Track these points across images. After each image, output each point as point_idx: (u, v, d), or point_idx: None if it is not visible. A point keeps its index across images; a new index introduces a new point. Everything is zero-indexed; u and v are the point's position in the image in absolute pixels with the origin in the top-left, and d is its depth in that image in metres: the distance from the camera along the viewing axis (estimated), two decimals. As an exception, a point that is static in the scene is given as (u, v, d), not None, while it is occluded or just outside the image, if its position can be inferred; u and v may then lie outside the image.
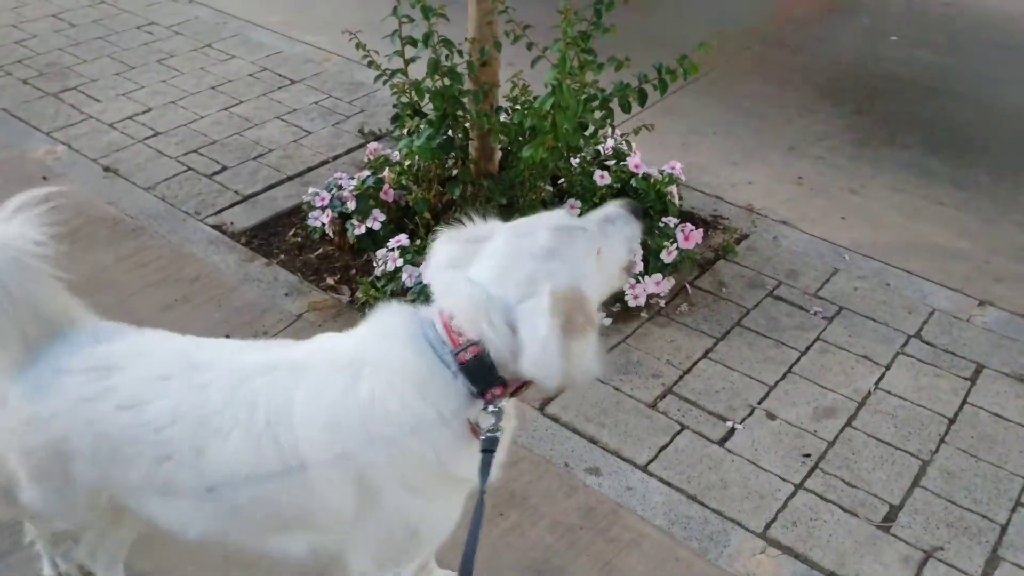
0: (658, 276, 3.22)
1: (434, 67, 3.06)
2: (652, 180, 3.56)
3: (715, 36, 3.22)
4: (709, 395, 2.92)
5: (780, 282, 3.44)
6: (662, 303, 3.28)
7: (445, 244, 1.68)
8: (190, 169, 3.98)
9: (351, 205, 3.45)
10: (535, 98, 3.09)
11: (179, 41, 5.14)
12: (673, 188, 3.58)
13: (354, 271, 3.48)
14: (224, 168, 3.99)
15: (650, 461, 2.69)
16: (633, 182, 3.56)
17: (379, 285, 3.21)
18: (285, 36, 5.25)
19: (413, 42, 3.21)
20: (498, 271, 1.57)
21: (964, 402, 2.94)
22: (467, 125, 3.27)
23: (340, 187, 3.65)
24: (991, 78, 5.22)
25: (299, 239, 3.64)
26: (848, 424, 2.84)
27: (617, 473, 2.64)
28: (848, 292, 3.41)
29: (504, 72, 3.36)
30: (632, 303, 3.19)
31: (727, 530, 2.49)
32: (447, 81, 3.10)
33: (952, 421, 2.86)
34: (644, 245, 3.26)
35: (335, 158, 4.11)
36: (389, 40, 3.29)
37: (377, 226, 3.42)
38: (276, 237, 3.63)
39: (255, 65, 4.90)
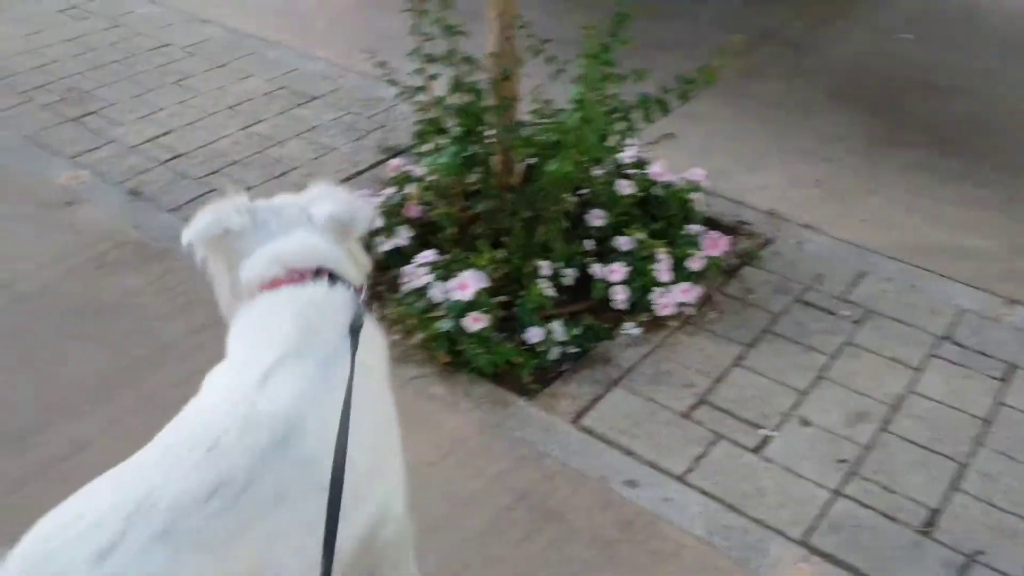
0: (685, 284, 3.23)
1: (457, 85, 3.07)
2: (674, 188, 3.57)
3: (728, 40, 3.21)
4: (742, 403, 2.93)
5: (807, 287, 3.44)
6: (690, 311, 3.28)
7: None
8: (213, 190, 4.00)
9: (377, 223, 3.46)
10: (558, 112, 3.10)
11: (195, 61, 5.17)
12: (696, 195, 3.58)
13: (381, 287, 3.50)
14: (248, 187, 4.00)
15: (687, 471, 2.69)
16: (655, 190, 3.57)
17: (408, 302, 3.22)
18: (300, 53, 5.27)
19: (433, 59, 3.23)
20: None
21: (998, 403, 2.94)
22: (490, 140, 3.28)
23: (364, 204, 3.67)
24: (1007, 76, 5.20)
25: (324, 257, 3.65)
26: (882, 428, 2.84)
27: (654, 484, 2.65)
28: (875, 295, 3.40)
29: (523, 84, 3.38)
30: (661, 312, 3.20)
31: (767, 539, 2.50)
32: (470, 98, 3.12)
33: (987, 423, 2.86)
34: (669, 253, 3.27)
35: (357, 174, 4.14)
36: (406, 56, 3.30)
37: (404, 243, 3.44)
38: (302, 256, 3.65)
39: (272, 83, 4.93)
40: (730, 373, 3.05)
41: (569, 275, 3.34)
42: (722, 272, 3.47)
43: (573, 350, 3.14)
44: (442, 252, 3.35)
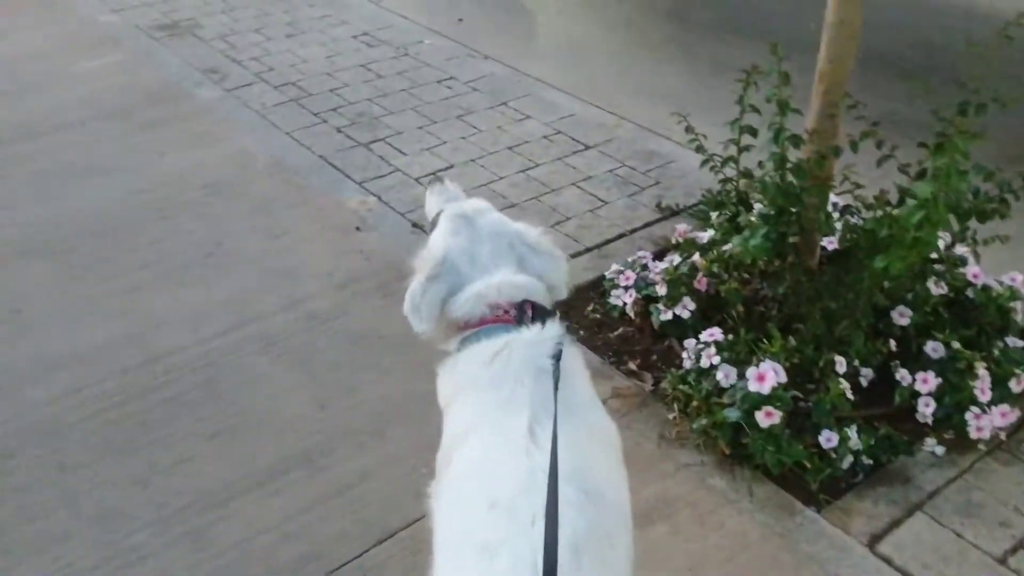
0: (1004, 407, 2.91)
1: (780, 162, 2.92)
2: (992, 292, 3.24)
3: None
4: (1070, 557, 2.58)
5: None
6: (1003, 436, 2.95)
7: None
8: (491, 231, 4.05)
9: (660, 290, 3.37)
10: (889, 203, 2.88)
11: (476, 97, 5.31)
12: (1017, 304, 3.23)
13: (655, 357, 3.40)
14: (524, 233, 4.03)
15: (1004, 628, 2.40)
16: (970, 292, 3.25)
17: (689, 379, 3.09)
18: (577, 98, 5.30)
19: (752, 131, 3.09)
20: None
21: None
22: (801, 223, 3.10)
23: (645, 267, 3.59)
24: None
25: (598, 315, 3.60)
26: None
27: (964, 636, 2.37)
28: None
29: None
30: (974, 435, 2.89)
31: None
32: (790, 177, 2.96)
33: None
34: (987, 370, 2.96)
35: (632, 231, 4.07)
36: (723, 124, 3.19)
37: (686, 314, 3.32)
38: (575, 311, 3.61)
39: (549, 127, 4.97)
40: (1054, 517, 2.70)
41: (866, 375, 3.10)
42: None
43: (867, 461, 2.89)
44: (725, 330, 3.20)
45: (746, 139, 3.18)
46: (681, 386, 3.10)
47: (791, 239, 3.20)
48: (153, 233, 4.12)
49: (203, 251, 3.96)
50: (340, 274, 3.80)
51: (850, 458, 2.88)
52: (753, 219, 3.08)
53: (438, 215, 2.20)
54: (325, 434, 3.05)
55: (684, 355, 3.19)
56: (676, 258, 3.50)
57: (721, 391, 2.98)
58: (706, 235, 3.59)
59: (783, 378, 2.85)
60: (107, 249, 4.01)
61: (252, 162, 4.67)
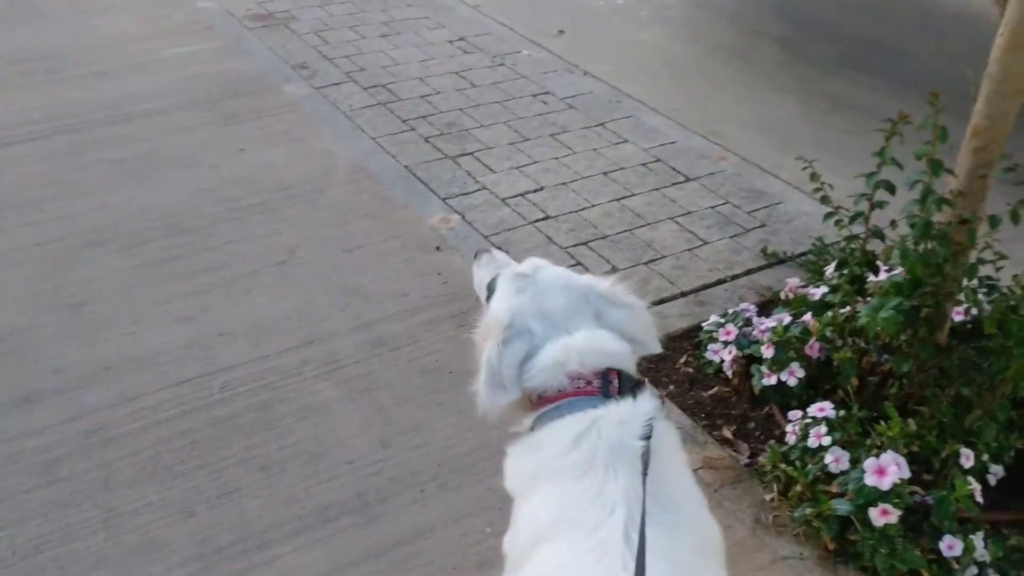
0: None
1: (925, 228, 2.56)
2: None
3: None
4: None
5: None
6: None
7: None
8: (579, 264, 3.76)
9: (765, 351, 3.03)
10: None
11: (572, 115, 5.03)
12: None
13: (753, 424, 3.06)
14: (614, 269, 3.74)
15: None
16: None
17: (792, 458, 2.75)
18: (679, 124, 4.97)
19: (890, 187, 2.74)
20: None
21: None
22: (938, 295, 2.73)
23: (748, 322, 3.25)
24: None
25: (691, 370, 3.28)
26: None
27: None
28: None
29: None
30: None
31: None
32: (932, 244, 2.60)
33: None
34: None
35: (733, 278, 3.73)
36: (854, 176, 2.84)
37: (792, 381, 2.98)
38: (666, 362, 3.30)
39: (648, 154, 4.66)
40: None
41: (995, 472, 2.72)
42: None
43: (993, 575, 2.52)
44: (835, 403, 2.85)
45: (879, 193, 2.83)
46: (783, 465, 2.76)
47: (924, 311, 2.84)
48: (225, 234, 3.94)
49: (274, 259, 3.76)
50: (415, 297, 3.55)
51: (974, 569, 2.51)
52: (882, 286, 2.73)
53: (493, 281, 1.94)
54: (384, 476, 2.79)
55: (788, 428, 2.85)
56: (785, 316, 3.15)
57: (830, 477, 2.64)
58: (818, 292, 3.24)
59: (906, 473, 2.49)
60: (177, 247, 3.84)
61: (333, 166, 4.47)
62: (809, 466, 2.69)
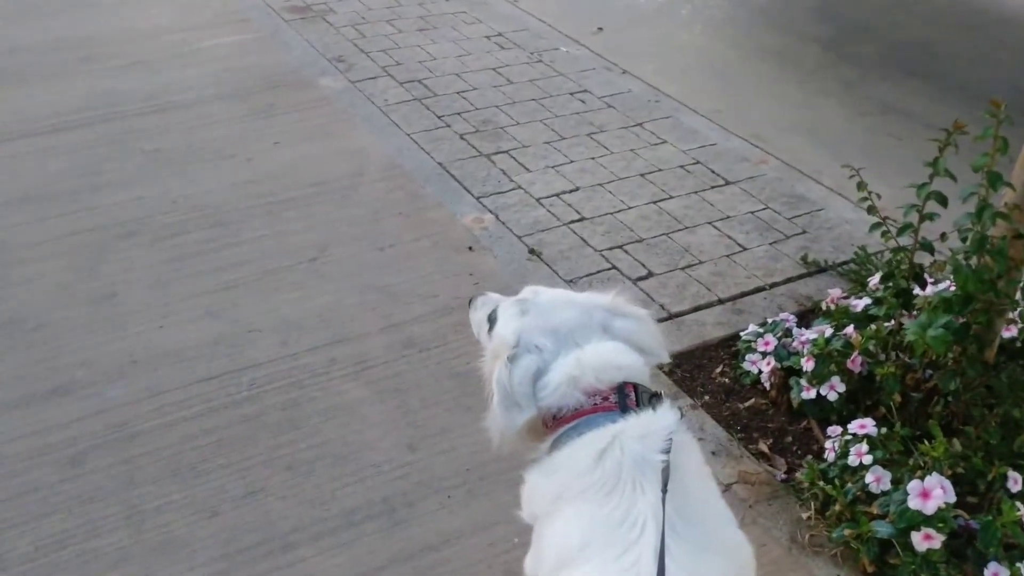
0: None
1: (979, 243, 2.46)
2: None
3: None
4: None
5: None
6: None
7: None
8: (614, 267, 3.69)
9: (805, 363, 2.94)
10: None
11: (610, 115, 4.94)
12: None
13: (790, 439, 2.97)
14: (650, 274, 3.66)
15: None
16: None
17: (831, 475, 2.66)
18: (719, 126, 4.87)
19: (941, 199, 2.63)
20: None
21: None
22: (990, 312, 2.63)
23: (788, 333, 3.16)
24: None
25: (727, 380, 3.19)
26: None
27: None
28: None
29: None
30: None
31: None
32: (986, 259, 2.49)
33: None
34: None
35: (772, 286, 3.63)
36: (904, 186, 2.74)
37: (833, 396, 2.88)
38: (702, 372, 3.21)
39: (687, 156, 4.56)
40: None
41: (1043, 496, 2.61)
42: None
43: (1041, 606, 2.41)
44: (877, 420, 2.75)
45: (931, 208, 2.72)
46: (821, 482, 2.67)
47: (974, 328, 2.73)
48: (257, 228, 3.91)
49: (305, 255, 3.72)
50: (445, 298, 3.49)
51: (1021, 600, 2.40)
52: (931, 301, 2.63)
53: (493, 313, 1.91)
54: (411, 480, 2.74)
55: (827, 444, 2.76)
56: (827, 328, 3.06)
57: (870, 497, 2.54)
58: (861, 303, 3.14)
59: (951, 497, 2.38)
60: (209, 240, 3.82)
61: (366, 162, 4.43)
62: (849, 485, 2.59)
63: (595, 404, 1.65)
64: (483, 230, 3.92)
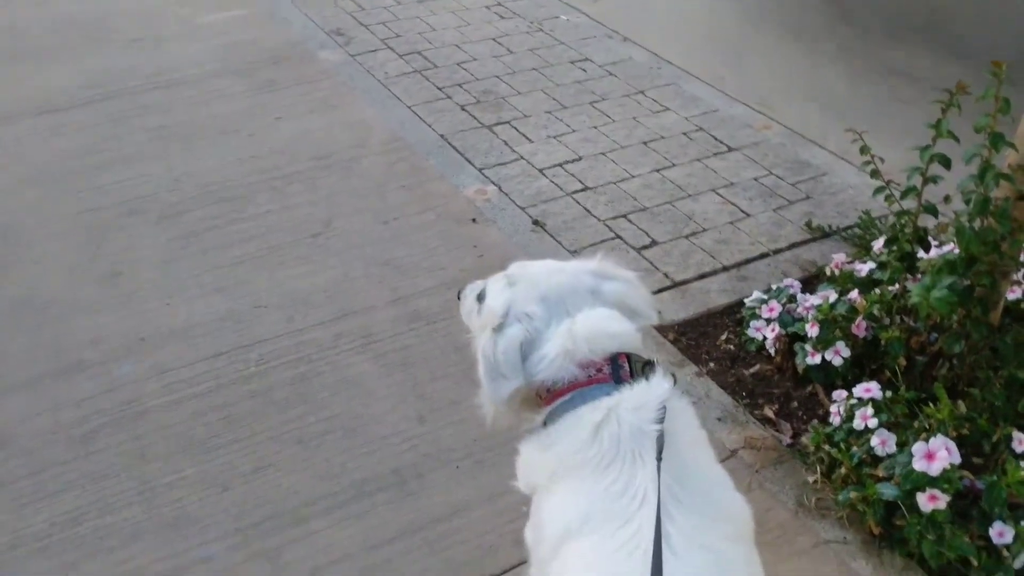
0: None
1: (982, 205, 2.45)
2: None
3: None
4: None
5: None
6: None
7: None
8: (618, 237, 3.69)
9: (810, 329, 2.95)
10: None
11: (612, 83, 4.92)
12: None
13: (796, 404, 2.99)
14: (654, 243, 3.66)
15: None
16: None
17: (837, 439, 2.68)
18: (721, 92, 4.84)
19: (945, 161, 2.62)
20: None
21: None
22: (994, 274, 2.63)
23: (792, 299, 3.17)
24: None
25: (732, 347, 3.20)
26: None
27: None
28: None
29: None
30: None
31: None
32: (989, 221, 2.49)
33: None
34: None
35: (776, 252, 3.63)
36: (908, 149, 2.73)
37: (838, 360, 2.89)
38: (706, 339, 3.23)
39: (689, 123, 4.54)
40: None
41: (1048, 457, 2.63)
42: None
43: (1045, 564, 2.43)
44: (882, 383, 2.76)
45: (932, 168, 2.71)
46: (826, 446, 2.69)
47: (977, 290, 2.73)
48: (262, 204, 3.91)
49: (309, 230, 3.73)
50: (451, 270, 3.50)
51: (1024, 559, 2.43)
52: (934, 263, 2.63)
53: (482, 292, 1.90)
54: (420, 452, 2.77)
55: (832, 408, 2.77)
56: (831, 293, 3.06)
57: (875, 459, 2.56)
58: (865, 268, 3.15)
59: (956, 459, 2.40)
60: (214, 217, 3.83)
61: (368, 135, 4.42)
62: (854, 448, 2.61)
63: (589, 376, 1.65)
64: (486, 202, 3.92)
